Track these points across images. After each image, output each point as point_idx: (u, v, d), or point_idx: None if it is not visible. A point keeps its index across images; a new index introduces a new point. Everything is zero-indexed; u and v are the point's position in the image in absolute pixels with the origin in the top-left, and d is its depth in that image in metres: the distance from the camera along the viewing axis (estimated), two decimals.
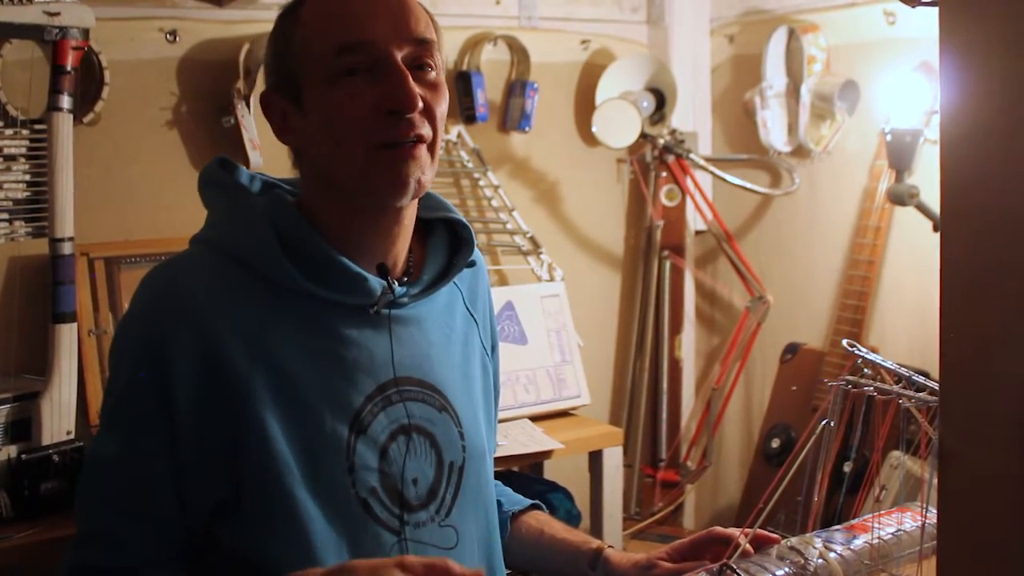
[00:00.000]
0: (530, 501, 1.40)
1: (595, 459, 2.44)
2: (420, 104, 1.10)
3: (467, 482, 1.20)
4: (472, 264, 1.27)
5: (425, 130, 1.11)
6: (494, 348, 1.37)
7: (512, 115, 2.81)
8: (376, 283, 1.15)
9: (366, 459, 1.12)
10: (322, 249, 1.13)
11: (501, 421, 2.34)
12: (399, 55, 1.10)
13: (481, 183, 2.76)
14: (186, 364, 1.07)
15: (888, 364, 1.20)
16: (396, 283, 1.17)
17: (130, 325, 1.15)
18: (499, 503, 1.34)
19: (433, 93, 1.13)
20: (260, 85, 2.24)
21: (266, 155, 2.31)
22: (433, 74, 1.14)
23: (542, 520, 1.37)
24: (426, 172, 1.13)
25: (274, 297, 1.12)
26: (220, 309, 1.09)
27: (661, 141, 2.90)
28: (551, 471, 2.62)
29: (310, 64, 1.12)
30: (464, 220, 1.26)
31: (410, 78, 1.10)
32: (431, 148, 1.13)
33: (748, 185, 2.91)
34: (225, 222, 1.18)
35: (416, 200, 1.17)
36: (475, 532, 1.21)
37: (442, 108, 1.14)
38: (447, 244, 1.25)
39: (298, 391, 1.10)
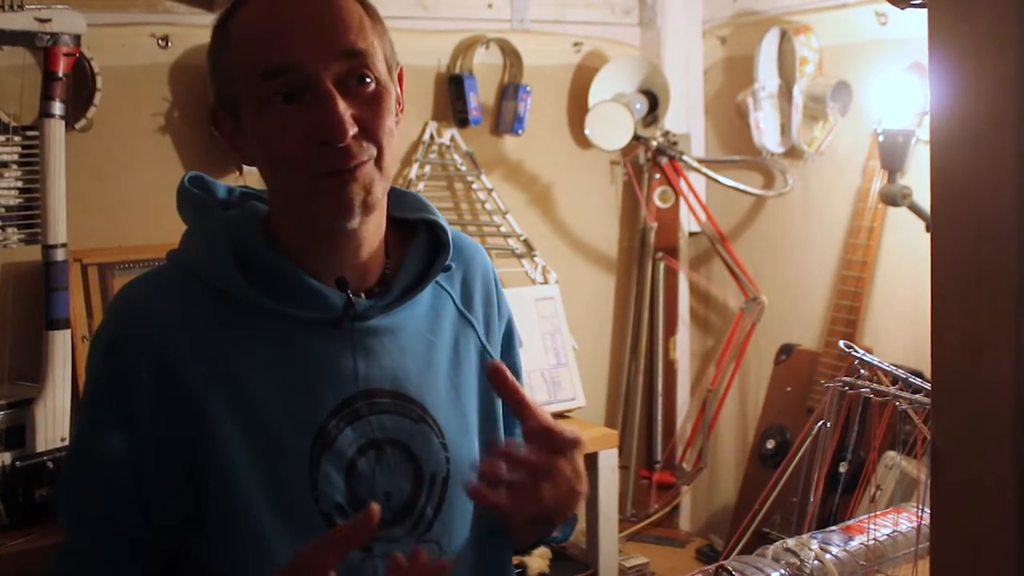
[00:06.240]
0: None
1: (591, 461, 2.44)
2: (353, 130, 1.04)
3: (453, 494, 1.17)
4: (448, 269, 1.22)
5: (365, 153, 1.06)
6: (508, 342, 1.31)
7: (505, 118, 2.82)
8: (336, 297, 1.12)
9: (330, 475, 1.09)
10: (279, 265, 1.11)
11: None
12: (328, 75, 1.04)
13: (475, 186, 2.76)
14: (142, 383, 1.06)
15: (884, 365, 1.20)
16: (363, 295, 1.14)
17: (96, 340, 1.14)
18: None
19: (372, 109, 1.07)
20: None
21: None
22: (372, 86, 1.07)
23: None
24: (374, 189, 1.08)
25: (234, 314, 1.10)
26: (177, 327, 1.08)
27: (654, 143, 2.90)
28: None
29: (240, 88, 1.08)
30: (441, 222, 1.22)
31: (339, 104, 1.03)
32: (379, 162, 1.08)
33: (741, 186, 2.91)
34: (188, 239, 1.18)
35: (375, 213, 1.13)
36: (464, 545, 1.18)
37: (385, 121, 1.08)
38: (427, 248, 1.21)
39: (258, 409, 1.08)
